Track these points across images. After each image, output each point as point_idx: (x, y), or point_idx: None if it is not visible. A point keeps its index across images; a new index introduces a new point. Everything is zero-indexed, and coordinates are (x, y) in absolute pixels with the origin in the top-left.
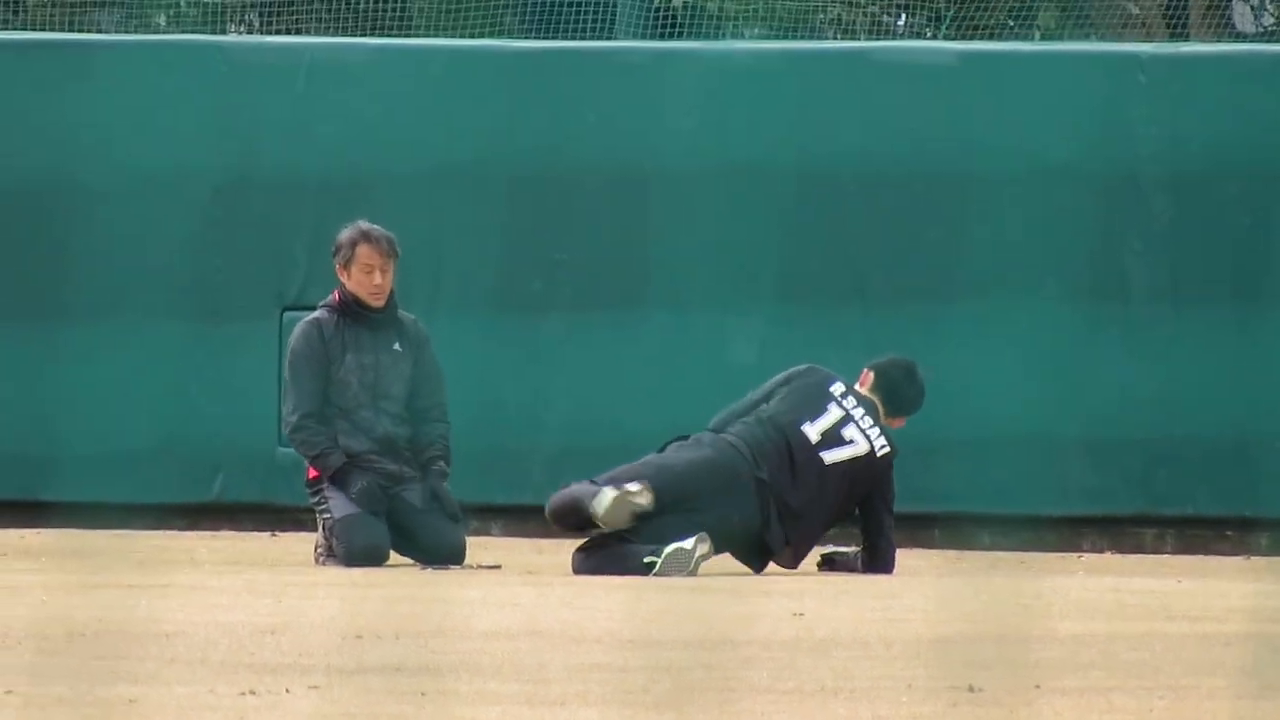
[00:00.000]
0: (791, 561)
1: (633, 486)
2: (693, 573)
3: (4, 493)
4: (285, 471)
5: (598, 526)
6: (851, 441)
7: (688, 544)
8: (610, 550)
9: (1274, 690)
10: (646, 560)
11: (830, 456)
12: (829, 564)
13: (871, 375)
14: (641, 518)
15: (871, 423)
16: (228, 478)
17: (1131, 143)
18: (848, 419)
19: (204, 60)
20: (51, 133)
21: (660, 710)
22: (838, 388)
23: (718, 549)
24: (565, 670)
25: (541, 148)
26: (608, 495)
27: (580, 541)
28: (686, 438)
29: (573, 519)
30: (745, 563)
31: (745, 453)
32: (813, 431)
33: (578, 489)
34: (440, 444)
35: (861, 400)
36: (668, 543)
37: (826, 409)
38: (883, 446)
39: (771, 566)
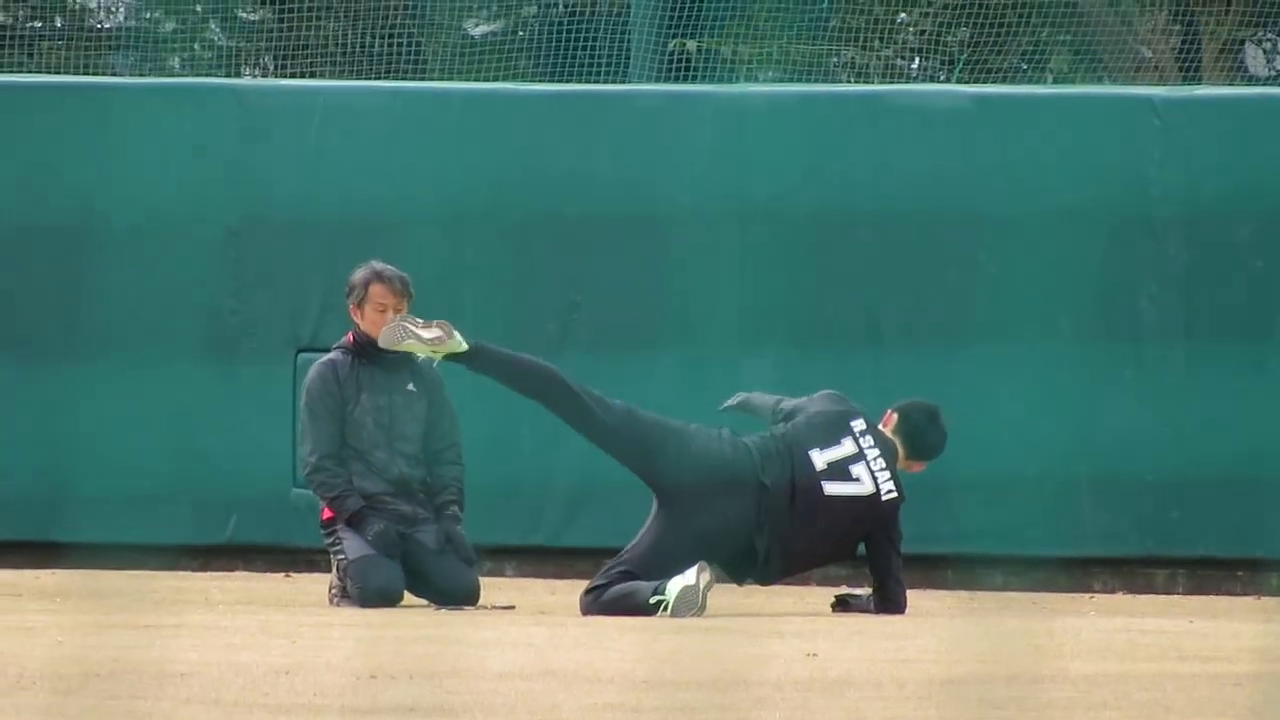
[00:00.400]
0: (773, 578)
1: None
2: (702, 609)
3: (19, 533)
4: (299, 513)
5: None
6: (857, 480)
7: (690, 578)
8: (618, 589)
9: None
10: (653, 600)
11: (831, 488)
12: (843, 605)
13: (895, 417)
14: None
15: (884, 465)
16: (241, 519)
17: (1145, 185)
18: (860, 456)
19: (218, 103)
20: (66, 175)
21: None
22: (859, 424)
23: (710, 551)
24: (579, 711)
25: (556, 190)
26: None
27: (586, 583)
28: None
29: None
30: (729, 574)
31: (755, 456)
32: (820, 459)
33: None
34: (454, 487)
35: (880, 441)
36: (670, 577)
37: (840, 441)
38: (889, 491)
39: (778, 601)
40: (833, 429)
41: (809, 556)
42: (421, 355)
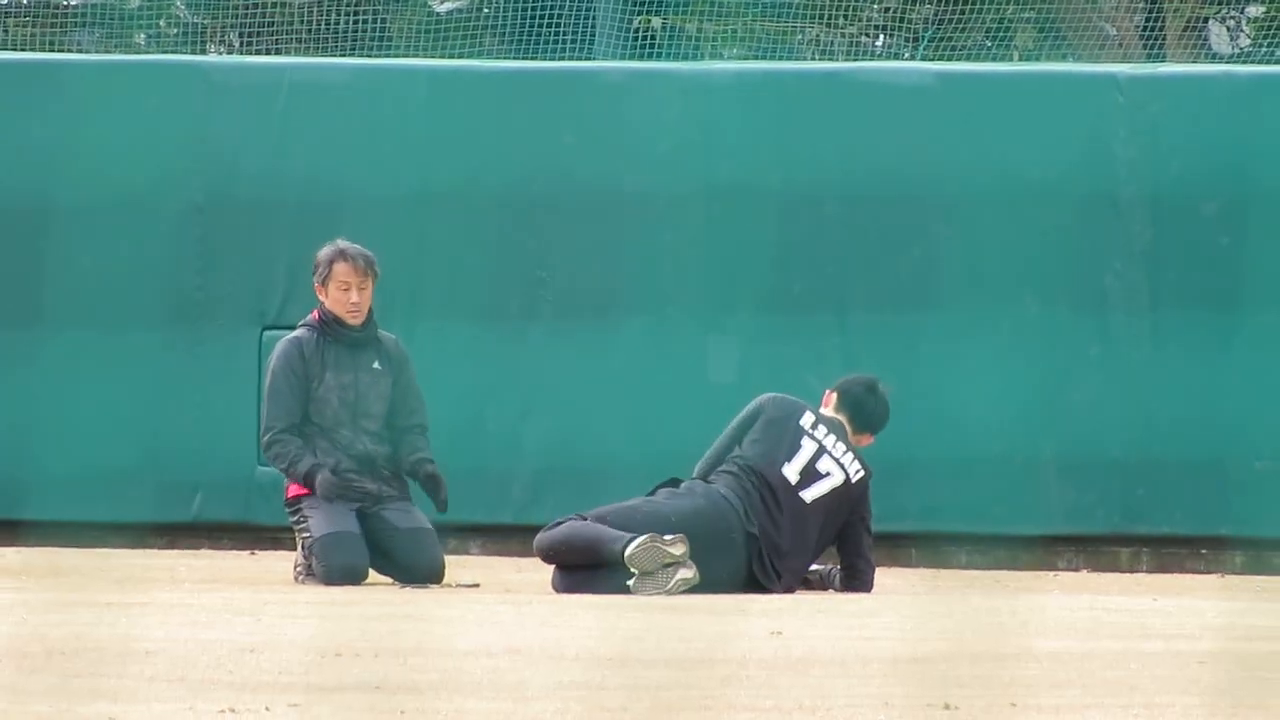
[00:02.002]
0: (782, 592)
1: (667, 536)
2: (671, 591)
3: None
4: (264, 491)
5: (596, 566)
6: (828, 474)
7: (664, 540)
8: (591, 568)
9: (1247, 708)
10: (628, 581)
11: (810, 494)
12: (804, 582)
13: (834, 395)
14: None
15: (844, 449)
16: (207, 497)
17: (1109, 163)
18: (821, 451)
19: (184, 80)
20: (32, 152)
21: None
22: (807, 419)
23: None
24: (544, 688)
25: (521, 167)
26: (640, 542)
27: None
28: (677, 483)
29: (582, 558)
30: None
31: (737, 506)
32: (791, 472)
33: (590, 529)
34: (425, 449)
35: (830, 424)
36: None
37: (800, 445)
38: (857, 471)
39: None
40: (789, 436)
41: (810, 561)
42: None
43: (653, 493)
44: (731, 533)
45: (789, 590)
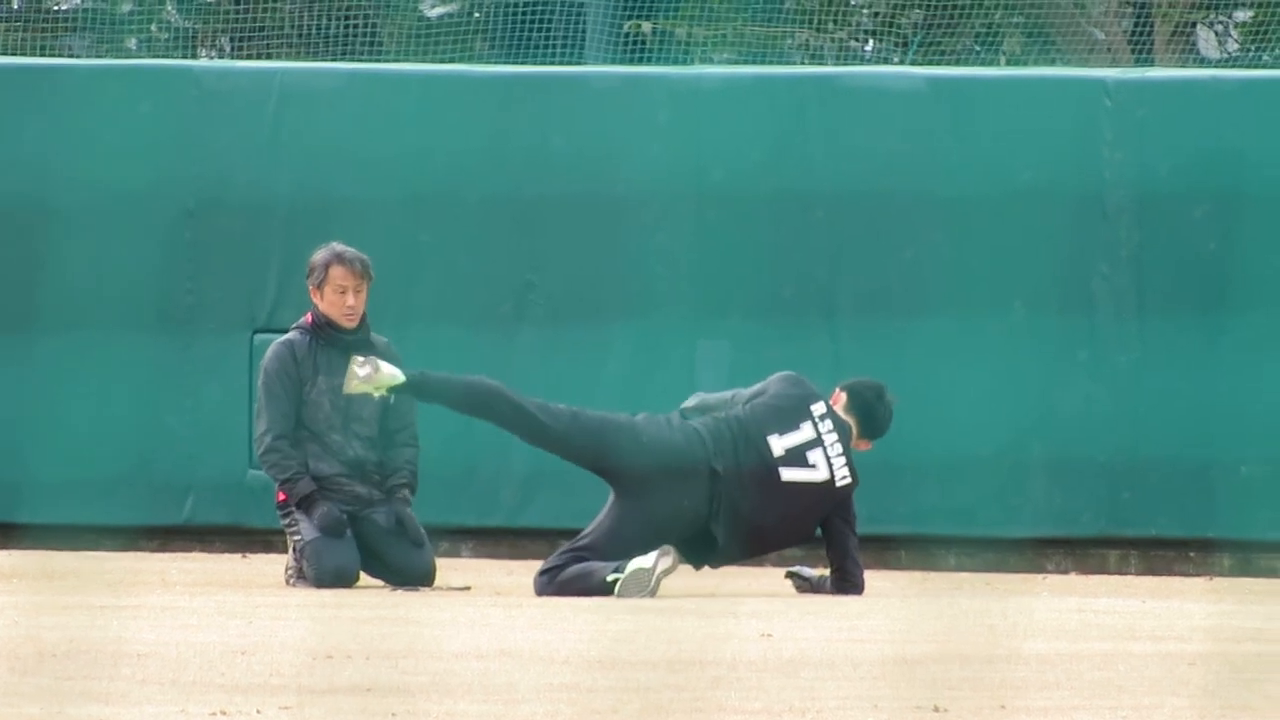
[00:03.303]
0: (730, 562)
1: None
2: (653, 592)
3: None
4: (256, 494)
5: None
6: (813, 466)
7: (648, 562)
8: (574, 570)
9: (1235, 709)
10: (609, 579)
11: (787, 474)
12: (798, 581)
13: (845, 396)
14: (600, 470)
15: (840, 450)
16: (198, 500)
17: (1097, 167)
18: (818, 442)
19: (175, 85)
20: (23, 156)
21: None
22: (819, 408)
23: (666, 536)
24: (535, 690)
25: (513, 172)
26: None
27: (541, 564)
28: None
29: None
30: (687, 558)
31: (708, 441)
32: (778, 445)
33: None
34: (407, 470)
35: (837, 423)
36: (630, 559)
37: (799, 426)
38: (844, 478)
39: (733, 582)
40: (792, 413)
41: (766, 541)
42: (371, 391)
43: (635, 415)
44: (696, 464)
45: (738, 559)
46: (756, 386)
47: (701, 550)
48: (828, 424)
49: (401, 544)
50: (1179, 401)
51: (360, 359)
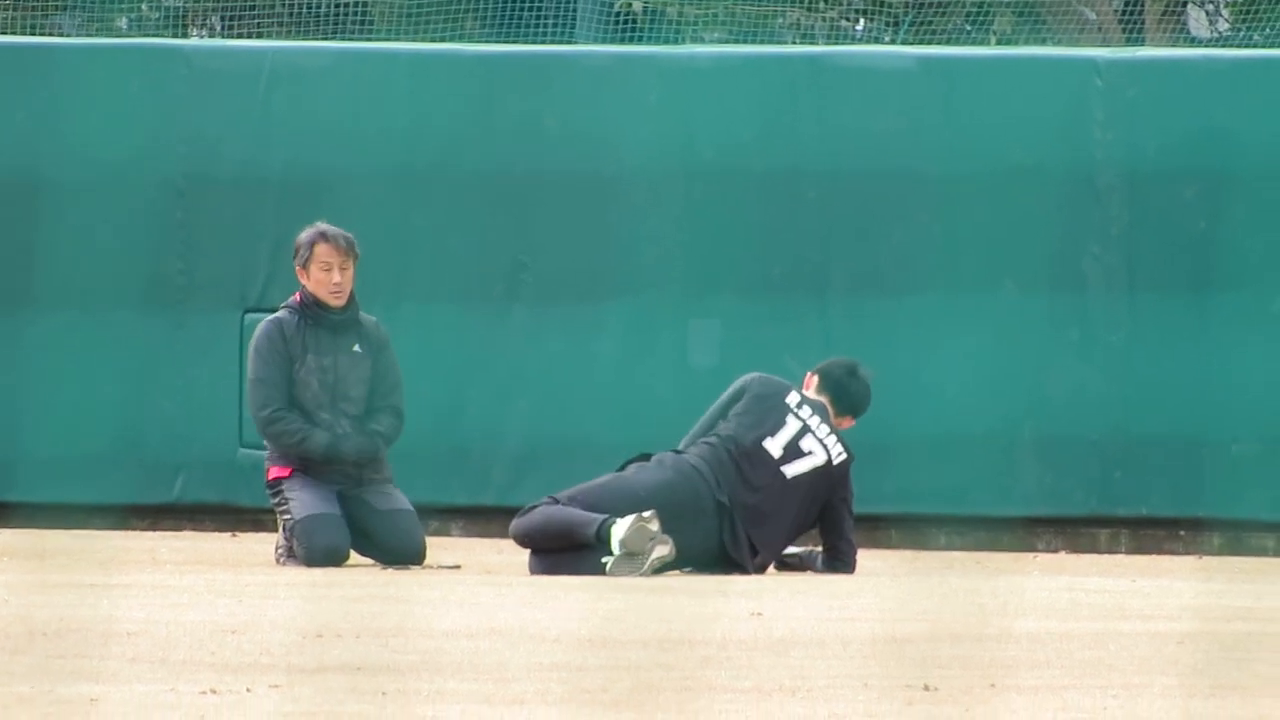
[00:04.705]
0: (758, 570)
1: (646, 513)
2: (646, 573)
3: None
4: (246, 473)
5: (576, 549)
6: (810, 453)
7: (641, 543)
8: (567, 551)
9: (1225, 688)
10: (603, 560)
11: (791, 470)
12: (783, 565)
13: (816, 378)
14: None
15: (828, 430)
16: (189, 479)
17: (1088, 146)
18: (805, 430)
19: (166, 64)
20: (13, 136)
21: (619, 709)
22: (793, 398)
23: (680, 569)
24: (525, 669)
25: (503, 150)
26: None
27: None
28: (648, 457)
29: (558, 543)
30: (710, 572)
31: (707, 475)
32: (774, 447)
33: (563, 514)
34: (383, 424)
35: (814, 406)
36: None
37: (785, 421)
38: (839, 454)
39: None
40: (773, 411)
41: (789, 538)
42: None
43: (623, 468)
44: (701, 501)
45: (762, 568)
46: (727, 395)
47: (725, 569)
48: (806, 410)
49: (392, 522)
50: (1170, 380)
51: (664, 535)
